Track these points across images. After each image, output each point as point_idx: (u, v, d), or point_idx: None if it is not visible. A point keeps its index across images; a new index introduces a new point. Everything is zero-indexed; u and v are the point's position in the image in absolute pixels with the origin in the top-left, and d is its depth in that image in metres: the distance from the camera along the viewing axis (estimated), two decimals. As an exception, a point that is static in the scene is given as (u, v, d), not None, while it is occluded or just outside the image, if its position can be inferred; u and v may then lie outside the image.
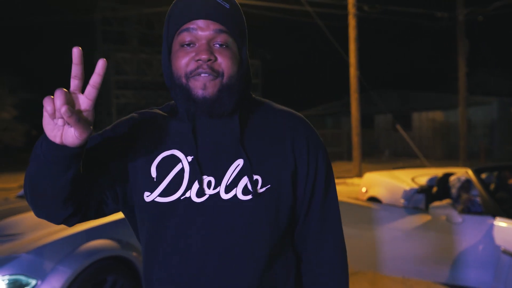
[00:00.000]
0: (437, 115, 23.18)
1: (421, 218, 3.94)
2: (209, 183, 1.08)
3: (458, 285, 3.94)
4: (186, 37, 1.08)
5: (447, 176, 4.97)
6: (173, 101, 1.21)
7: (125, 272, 3.19)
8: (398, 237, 3.97)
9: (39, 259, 2.79)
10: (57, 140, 0.89)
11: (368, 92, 15.98)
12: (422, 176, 5.47)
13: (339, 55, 15.11)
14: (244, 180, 1.08)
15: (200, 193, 1.07)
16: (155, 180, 1.09)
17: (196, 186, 1.07)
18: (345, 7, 15.71)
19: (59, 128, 0.88)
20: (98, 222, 3.20)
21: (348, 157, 19.39)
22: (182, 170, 1.08)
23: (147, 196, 1.09)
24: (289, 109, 1.23)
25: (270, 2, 14.80)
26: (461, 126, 17.40)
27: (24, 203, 3.83)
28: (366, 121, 28.20)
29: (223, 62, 1.07)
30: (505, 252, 3.49)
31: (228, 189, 1.08)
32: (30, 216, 3.39)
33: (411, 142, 17.29)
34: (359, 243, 4.11)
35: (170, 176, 1.09)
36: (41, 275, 2.74)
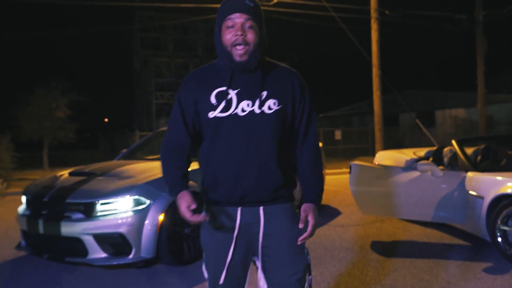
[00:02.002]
0: (459, 113, 24.06)
1: (413, 174, 5.29)
2: (247, 104, 1.87)
3: (441, 222, 5.28)
4: (229, 23, 1.86)
5: (441, 148, 6.27)
6: (216, 60, 2.01)
7: (201, 203, 4.66)
8: (396, 188, 5.32)
9: (151, 188, 4.29)
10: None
11: (393, 93, 17.16)
12: (421, 151, 6.78)
13: (365, 59, 16.37)
14: (268, 103, 1.89)
15: (243, 110, 1.87)
16: (214, 104, 1.88)
17: (240, 106, 1.87)
18: (368, 12, 16.99)
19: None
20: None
21: (373, 153, 20.45)
22: (231, 98, 1.88)
23: (211, 114, 1.88)
24: (288, 66, 2.03)
25: (298, 9, 16.15)
26: (481, 122, 18.36)
27: (123, 161, 5.35)
28: (392, 120, 29.22)
29: (250, 37, 1.86)
30: (472, 194, 4.81)
31: (258, 108, 1.88)
32: (134, 166, 4.93)
33: (430, 136, 18.33)
34: (368, 196, 5.46)
35: (224, 102, 1.87)
36: (153, 198, 4.24)
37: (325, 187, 8.61)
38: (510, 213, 4.27)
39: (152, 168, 4.78)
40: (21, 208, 4.71)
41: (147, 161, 5.43)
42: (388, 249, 4.91)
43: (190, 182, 4.46)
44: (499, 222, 4.34)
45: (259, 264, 1.98)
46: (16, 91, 18.49)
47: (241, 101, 1.88)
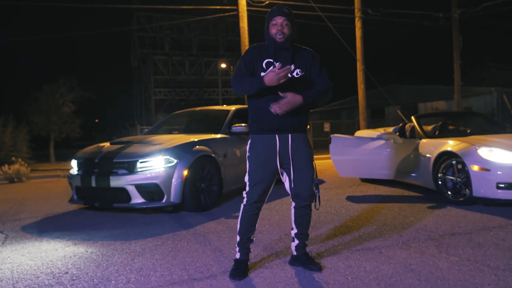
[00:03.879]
0: (440, 105, 25.60)
1: (379, 142, 6.70)
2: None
3: (401, 180, 6.70)
4: (274, 21, 3.13)
5: (404, 125, 7.70)
6: (265, 42, 3.20)
7: (213, 164, 6.01)
8: (367, 154, 6.72)
9: (177, 150, 5.64)
10: (273, 83, 2.95)
11: (379, 88, 18.62)
12: (390, 128, 8.20)
13: (352, 58, 17.80)
14: (296, 71, 3.14)
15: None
16: (264, 68, 3.12)
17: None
18: (352, 11, 18.43)
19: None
20: (201, 138, 6.07)
21: (359, 142, 21.91)
22: (274, 65, 3.11)
23: (262, 74, 3.05)
24: (307, 48, 3.26)
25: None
26: (457, 112, 19.88)
27: (150, 134, 6.70)
28: (378, 113, 30.81)
29: (286, 30, 3.11)
30: (423, 155, 6.22)
31: (291, 73, 3.07)
32: (162, 137, 6.29)
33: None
34: (345, 161, 6.85)
35: (271, 67, 3.10)
36: (179, 158, 5.59)
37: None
38: (448, 165, 5.68)
39: (176, 138, 6.14)
40: (73, 170, 6.05)
41: (170, 134, 6.80)
42: (358, 200, 6.30)
43: (205, 148, 5.87)
44: (440, 173, 5.75)
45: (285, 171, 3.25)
46: (26, 90, 19.68)
47: (282, 67, 3.01)
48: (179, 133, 7.28)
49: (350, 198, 6.38)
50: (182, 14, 27.04)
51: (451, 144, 5.73)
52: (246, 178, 3.23)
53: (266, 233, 4.45)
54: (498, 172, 5.07)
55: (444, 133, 7.01)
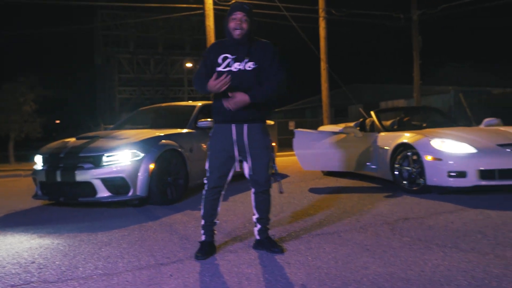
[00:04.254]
0: (400, 103, 26.41)
1: (340, 136, 6.96)
2: (239, 64, 3.26)
3: (362, 172, 6.98)
4: (233, 16, 3.24)
5: (364, 120, 8.00)
6: (225, 39, 3.37)
7: (179, 158, 6.11)
8: (328, 148, 6.96)
9: (144, 144, 5.71)
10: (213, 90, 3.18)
11: (342, 87, 19.09)
12: (352, 123, 8.50)
13: (317, 58, 18.17)
14: (249, 63, 3.26)
15: (236, 67, 3.27)
16: (220, 63, 3.29)
17: (235, 65, 3.26)
18: (316, 11, 18.80)
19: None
20: (167, 132, 6.16)
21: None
22: (229, 61, 3.28)
23: (217, 69, 3.27)
24: (266, 40, 3.41)
25: (255, 8, 17.67)
26: (417, 110, 20.58)
27: (114, 131, 6.73)
28: (342, 112, 31.46)
29: (245, 25, 3.24)
30: (381, 147, 6.52)
31: (244, 66, 3.27)
32: (128, 131, 6.33)
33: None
34: (308, 154, 7.07)
35: (225, 62, 3.28)
36: (145, 152, 5.67)
37: (278, 163, 10.17)
38: (404, 156, 5.98)
39: (142, 132, 6.21)
40: (38, 165, 6.02)
41: (136, 129, 6.84)
42: (320, 191, 6.53)
43: (171, 142, 5.96)
44: (397, 164, 6.04)
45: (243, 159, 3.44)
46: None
47: (235, 63, 3.29)
48: (146, 127, 7.33)
49: (313, 190, 6.60)
50: (147, 12, 26.82)
51: (407, 137, 6.04)
52: (207, 165, 3.44)
53: (231, 222, 4.60)
54: (449, 162, 5.39)
55: (401, 127, 7.33)
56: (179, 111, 7.59)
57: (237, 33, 3.25)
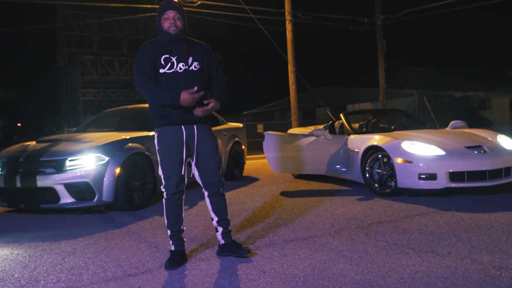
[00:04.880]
0: (367, 106, 26.81)
1: (310, 139, 6.91)
2: (183, 64, 3.21)
3: (332, 175, 6.95)
4: (166, 15, 3.20)
5: (333, 122, 7.99)
6: (158, 38, 3.26)
7: (146, 162, 5.91)
8: (298, 150, 6.90)
9: (109, 148, 5.48)
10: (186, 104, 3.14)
11: (310, 90, 19.18)
12: (321, 126, 8.48)
13: (283, 59, 18.18)
14: (194, 63, 3.24)
15: (181, 68, 3.21)
16: (163, 64, 3.18)
17: (179, 66, 3.19)
18: (282, 14, 18.83)
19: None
20: (133, 135, 5.95)
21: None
22: (173, 61, 3.19)
23: (161, 71, 3.18)
24: (202, 42, 3.40)
25: (220, 10, 17.58)
26: (382, 112, 20.93)
27: (78, 133, 6.46)
28: (310, 114, 31.68)
29: (179, 23, 3.20)
30: (351, 150, 6.50)
31: (189, 67, 3.22)
32: (92, 134, 6.08)
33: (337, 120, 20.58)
34: (278, 157, 6.98)
35: (169, 63, 3.18)
36: (111, 155, 5.44)
37: (248, 166, 10.04)
38: (374, 158, 5.98)
39: (107, 135, 5.97)
40: (-5, 171, 5.69)
41: (101, 132, 6.58)
42: (292, 194, 6.46)
43: (138, 145, 5.75)
44: (367, 167, 6.03)
45: (192, 161, 3.36)
46: None
47: (179, 63, 3.22)
48: (111, 130, 7.08)
49: (284, 194, 6.52)
50: (111, 13, 26.20)
51: (377, 139, 6.04)
52: (160, 172, 3.31)
53: (201, 228, 4.45)
54: (420, 164, 5.41)
55: (370, 130, 7.35)
56: (146, 113, 7.33)
57: (173, 29, 3.19)
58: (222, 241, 3.45)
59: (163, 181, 3.30)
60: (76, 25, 27.39)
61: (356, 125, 7.64)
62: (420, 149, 5.52)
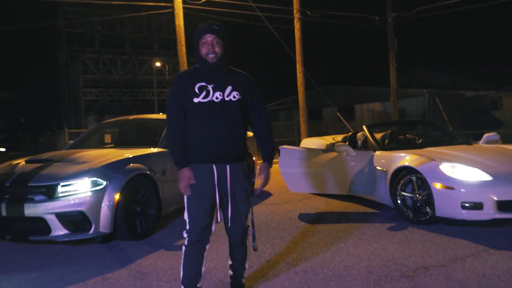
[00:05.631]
0: (376, 106, 26.07)
1: (331, 154, 6.23)
2: (220, 94, 2.83)
3: (356, 195, 6.27)
4: (203, 40, 2.84)
5: (354, 134, 7.30)
6: (197, 65, 2.93)
7: (149, 184, 5.25)
8: (318, 167, 6.22)
9: (107, 171, 4.82)
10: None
11: (317, 88, 18.49)
12: (340, 137, 7.79)
13: (289, 56, 17.48)
14: (232, 93, 2.85)
15: (217, 98, 2.83)
16: (197, 93, 2.80)
17: (215, 95, 2.82)
18: (291, 12, 18.10)
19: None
20: (135, 153, 5.29)
21: (299, 144, 21.74)
22: (209, 89, 2.82)
23: (195, 100, 2.80)
24: (243, 72, 3.02)
25: (226, 8, 16.86)
26: (393, 114, 20.22)
27: (75, 149, 5.80)
28: (316, 114, 30.90)
29: (217, 48, 2.82)
30: (378, 169, 5.82)
31: (227, 97, 2.83)
32: (89, 153, 5.41)
33: (351, 129, 19.86)
34: (295, 175, 6.31)
35: (204, 92, 2.81)
36: (109, 179, 4.77)
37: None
38: (406, 181, 5.29)
39: (105, 154, 5.30)
40: (-21, 195, 5.03)
41: (99, 149, 5.91)
42: (312, 219, 5.79)
43: (140, 165, 5.07)
44: (399, 190, 5.35)
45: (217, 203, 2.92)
46: None
47: (215, 92, 2.82)
48: (110, 146, 6.42)
49: (303, 217, 5.85)
50: (112, 10, 25.53)
51: (409, 159, 5.35)
52: (185, 215, 2.91)
53: (220, 270, 3.78)
54: (463, 191, 4.72)
55: (394, 142, 6.67)
56: (149, 125, 6.70)
57: (211, 57, 2.83)
58: (229, 280, 3.20)
59: (187, 225, 2.90)
60: (78, 22, 26.70)
61: (379, 136, 6.95)
62: (462, 173, 4.83)
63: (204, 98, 2.80)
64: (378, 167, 5.84)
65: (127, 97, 28.78)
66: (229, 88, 2.84)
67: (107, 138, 8.22)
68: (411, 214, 5.20)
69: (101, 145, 7.01)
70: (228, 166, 2.84)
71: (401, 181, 5.33)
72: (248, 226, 3.00)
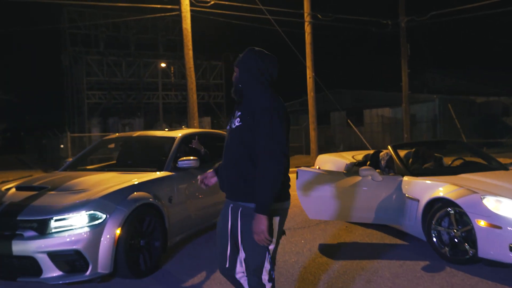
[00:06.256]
0: (386, 112, 25.42)
1: (355, 179, 5.65)
2: (233, 121, 2.67)
3: (381, 224, 5.69)
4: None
5: (377, 153, 6.72)
6: None
7: (155, 214, 4.69)
8: (340, 193, 5.65)
9: (106, 202, 4.26)
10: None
11: (324, 91, 17.92)
12: (360, 154, 7.21)
13: (297, 59, 16.92)
14: (236, 119, 2.64)
15: (230, 126, 2.71)
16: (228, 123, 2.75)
17: (233, 123, 2.66)
18: (301, 15, 17.52)
19: None
20: (139, 179, 4.74)
21: (307, 151, 21.12)
22: (232, 119, 2.72)
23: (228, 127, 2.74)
24: (262, 96, 2.67)
25: (235, 11, 16.32)
26: (405, 120, 19.60)
27: (73, 172, 5.26)
28: (323, 119, 30.26)
29: (233, 77, 2.74)
30: (408, 197, 5.24)
31: (233, 124, 2.65)
32: (87, 179, 4.86)
33: (361, 135, 19.33)
34: (315, 201, 5.74)
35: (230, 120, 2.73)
36: (109, 212, 4.22)
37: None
38: (443, 214, 4.71)
39: (105, 180, 4.75)
40: (-36, 226, 4.49)
41: (98, 172, 5.34)
42: (335, 251, 5.22)
43: (145, 194, 4.48)
44: (433, 223, 4.77)
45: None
46: None
47: (233, 120, 2.67)
48: (112, 163, 5.86)
49: (325, 250, 5.28)
50: (117, 11, 25.01)
51: (445, 190, 4.77)
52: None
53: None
54: (511, 230, 4.14)
55: (419, 163, 6.10)
56: (154, 144, 6.13)
57: (232, 90, 2.76)
58: None
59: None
60: (83, 24, 26.19)
61: (401, 153, 6.36)
62: (510, 210, 4.25)
63: (229, 126, 2.75)
64: (407, 195, 5.26)
65: (132, 100, 28.24)
66: (237, 115, 2.65)
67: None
68: (448, 252, 4.62)
69: (103, 162, 6.45)
70: (240, 207, 2.60)
71: (437, 214, 4.75)
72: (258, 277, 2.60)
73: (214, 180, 2.91)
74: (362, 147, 21.75)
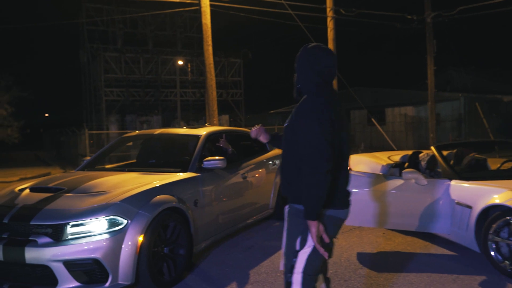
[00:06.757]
0: (409, 110, 24.73)
1: (396, 182, 5.16)
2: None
3: (425, 232, 5.19)
4: None
5: (416, 153, 6.20)
6: None
7: (179, 219, 4.28)
8: (379, 197, 5.17)
9: (128, 206, 3.86)
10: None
11: (347, 89, 17.38)
12: (396, 155, 6.71)
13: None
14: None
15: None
16: None
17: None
18: (324, 10, 16.99)
19: None
20: (162, 181, 4.33)
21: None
22: None
23: None
24: (310, 96, 2.47)
25: (255, 6, 15.88)
26: (430, 120, 18.91)
27: (91, 172, 4.88)
28: (343, 117, 29.67)
29: (295, 78, 2.57)
30: (458, 203, 4.73)
31: (286, 122, 2.55)
32: (106, 180, 4.46)
33: (385, 134, 18.73)
34: (354, 205, 5.26)
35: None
36: (130, 217, 3.81)
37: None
38: (502, 224, 4.20)
39: (126, 181, 4.34)
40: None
41: (118, 172, 4.94)
42: (376, 262, 4.74)
43: (169, 197, 4.06)
44: (491, 233, 4.26)
45: None
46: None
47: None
48: (132, 162, 5.47)
49: (363, 259, 4.80)
50: (135, 7, 24.78)
51: (503, 196, 4.25)
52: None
53: None
54: None
55: (459, 162, 5.60)
56: (178, 143, 5.73)
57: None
58: None
59: None
60: (101, 20, 26.01)
61: (445, 153, 5.83)
62: None
63: None
64: (457, 201, 4.75)
65: (149, 97, 27.98)
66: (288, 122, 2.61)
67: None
68: (508, 266, 4.11)
69: (121, 160, 6.07)
70: (286, 207, 2.67)
71: (495, 224, 4.24)
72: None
73: (265, 138, 2.97)
74: (384, 147, 21.18)
